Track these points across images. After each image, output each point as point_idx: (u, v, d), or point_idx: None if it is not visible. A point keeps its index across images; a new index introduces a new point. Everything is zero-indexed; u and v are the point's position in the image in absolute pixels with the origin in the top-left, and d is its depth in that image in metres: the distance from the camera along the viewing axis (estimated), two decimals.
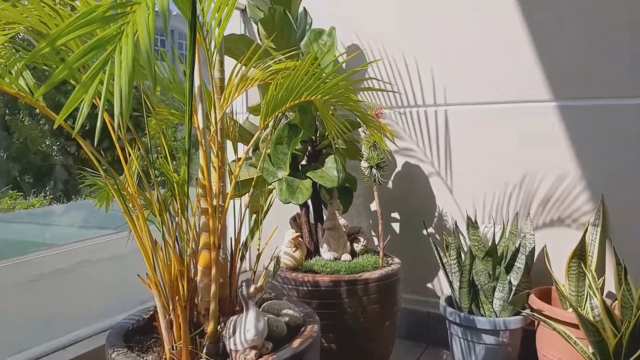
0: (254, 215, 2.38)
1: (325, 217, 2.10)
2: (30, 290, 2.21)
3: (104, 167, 1.20)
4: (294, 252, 1.99)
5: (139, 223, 1.24)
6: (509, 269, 1.91)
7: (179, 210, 1.32)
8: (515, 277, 1.88)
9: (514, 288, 1.88)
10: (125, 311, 2.35)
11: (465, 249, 2.01)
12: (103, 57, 0.71)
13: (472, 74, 2.14)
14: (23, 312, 2.10)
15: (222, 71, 1.35)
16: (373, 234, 2.41)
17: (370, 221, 2.43)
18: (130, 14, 0.75)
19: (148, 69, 0.69)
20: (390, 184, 2.36)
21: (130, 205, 1.26)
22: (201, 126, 1.21)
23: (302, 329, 1.37)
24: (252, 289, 1.22)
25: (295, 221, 2.21)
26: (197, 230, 1.33)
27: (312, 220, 2.15)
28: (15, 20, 1.06)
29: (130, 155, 1.29)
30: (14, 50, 1.20)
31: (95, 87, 0.69)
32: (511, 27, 2.04)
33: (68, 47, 1.09)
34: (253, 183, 1.60)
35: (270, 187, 2.04)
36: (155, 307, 1.53)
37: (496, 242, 1.94)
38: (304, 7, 2.35)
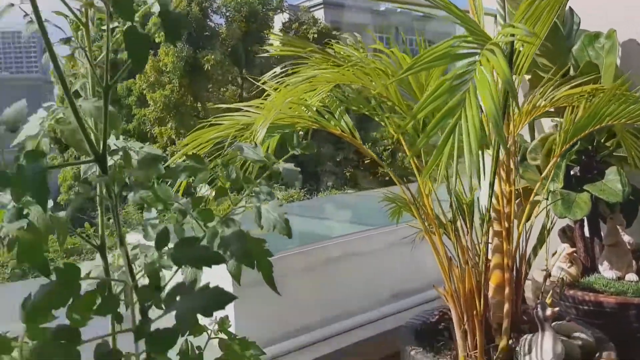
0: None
1: (603, 232, 1.97)
2: (304, 278, 2.60)
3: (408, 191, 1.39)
4: (569, 267, 1.93)
5: (436, 240, 1.40)
6: None
7: (469, 231, 1.43)
8: None
9: None
10: (382, 303, 2.60)
11: None
12: (451, 124, 0.85)
13: None
14: (301, 297, 2.47)
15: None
16: None
17: None
18: (469, 81, 0.87)
19: (496, 129, 0.80)
20: None
21: (427, 224, 1.43)
22: (500, 157, 1.29)
23: (596, 355, 1.35)
24: (549, 311, 1.26)
25: (565, 234, 2.13)
26: (479, 248, 1.42)
27: (587, 234, 2.04)
28: (336, 79, 1.30)
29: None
30: (335, 98, 1.47)
31: (449, 149, 0.83)
32: None
33: (388, 97, 1.28)
34: (521, 196, 1.61)
35: (537, 199, 2.01)
36: (440, 311, 1.69)
37: None
38: (569, 7, 2.22)
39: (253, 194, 0.82)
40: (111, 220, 0.85)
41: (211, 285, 0.64)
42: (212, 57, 13.42)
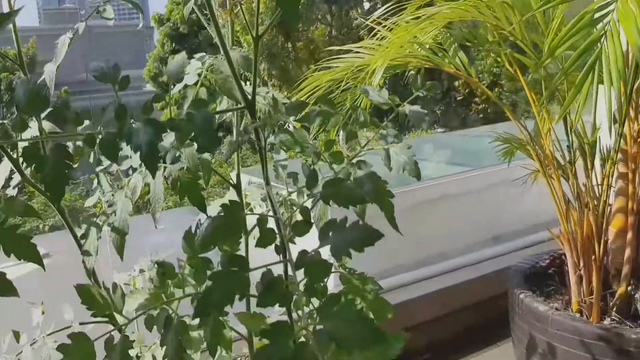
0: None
1: None
2: (403, 219, 2.63)
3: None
4: None
5: (553, 182, 1.36)
6: None
7: (590, 172, 1.36)
8: None
9: None
10: (483, 245, 2.58)
11: None
12: (592, 58, 0.80)
13: None
14: (402, 238, 2.50)
15: None
16: None
17: None
18: (610, 14, 0.81)
19: None
20: None
21: (544, 163, 1.39)
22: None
23: None
24: None
25: None
26: (600, 190, 1.36)
27: None
28: (456, 16, 1.25)
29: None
30: (449, 34, 1.42)
31: (588, 86, 0.79)
32: None
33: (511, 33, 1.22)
34: None
35: None
36: (551, 255, 1.66)
37: None
38: None
39: (380, 137, 0.84)
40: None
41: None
42: None
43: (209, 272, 0.74)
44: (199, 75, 0.73)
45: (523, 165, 1.64)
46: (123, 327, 0.74)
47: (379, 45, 1.35)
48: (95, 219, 0.75)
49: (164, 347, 0.68)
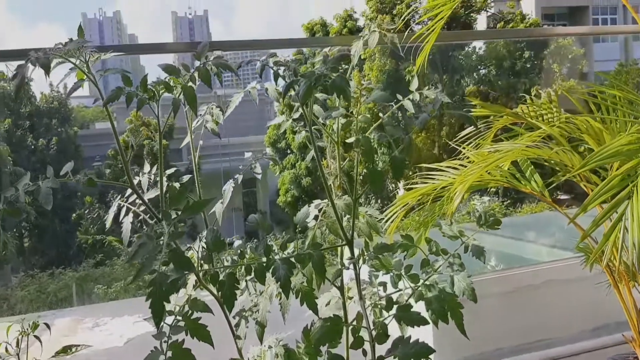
0: None
1: None
2: (498, 303, 2.68)
3: None
4: None
5: (625, 292, 1.49)
6: None
7: None
8: None
9: None
10: (581, 337, 2.53)
11: None
12: (617, 217, 1.01)
13: None
14: (494, 323, 2.57)
15: None
16: None
17: None
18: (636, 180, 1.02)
19: None
20: None
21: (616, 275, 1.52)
22: None
23: None
24: None
25: None
26: None
27: None
28: (533, 154, 1.49)
29: None
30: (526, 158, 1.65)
31: (615, 235, 1.00)
32: None
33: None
34: None
35: None
36: (634, 357, 1.73)
37: None
38: None
39: (448, 264, 1.11)
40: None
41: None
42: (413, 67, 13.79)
43: (319, 358, 1.05)
44: (316, 218, 1.07)
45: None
46: None
47: (461, 166, 1.62)
48: (244, 314, 1.10)
49: None
